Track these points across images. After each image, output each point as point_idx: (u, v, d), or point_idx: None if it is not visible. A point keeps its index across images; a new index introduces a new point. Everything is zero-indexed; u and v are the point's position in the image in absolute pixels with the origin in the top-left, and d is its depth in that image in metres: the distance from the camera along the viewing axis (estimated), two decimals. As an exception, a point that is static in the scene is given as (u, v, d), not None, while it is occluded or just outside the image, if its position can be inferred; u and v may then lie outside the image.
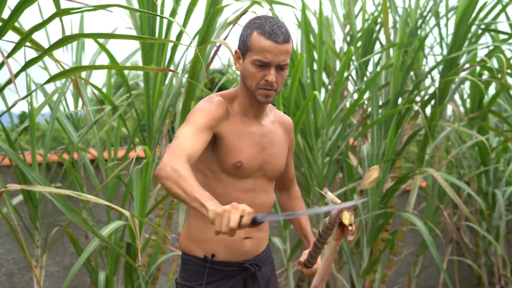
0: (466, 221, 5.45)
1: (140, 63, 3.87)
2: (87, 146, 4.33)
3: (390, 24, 4.76)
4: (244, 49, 2.03)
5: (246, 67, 2.02)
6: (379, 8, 4.73)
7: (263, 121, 2.17)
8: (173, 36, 3.76)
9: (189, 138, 1.91)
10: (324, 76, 4.71)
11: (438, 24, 4.67)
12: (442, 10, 4.72)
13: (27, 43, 2.64)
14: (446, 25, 4.76)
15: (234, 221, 1.60)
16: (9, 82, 2.68)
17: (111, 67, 2.90)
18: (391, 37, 4.76)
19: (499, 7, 4.45)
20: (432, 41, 5.02)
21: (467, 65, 4.49)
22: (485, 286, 5.50)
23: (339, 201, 1.86)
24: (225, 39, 3.84)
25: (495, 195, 5.29)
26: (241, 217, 1.61)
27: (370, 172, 1.85)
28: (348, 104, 4.72)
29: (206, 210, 1.67)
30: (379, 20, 4.68)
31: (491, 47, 4.53)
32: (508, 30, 4.72)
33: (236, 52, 2.07)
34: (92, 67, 3.00)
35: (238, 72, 2.17)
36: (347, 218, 1.77)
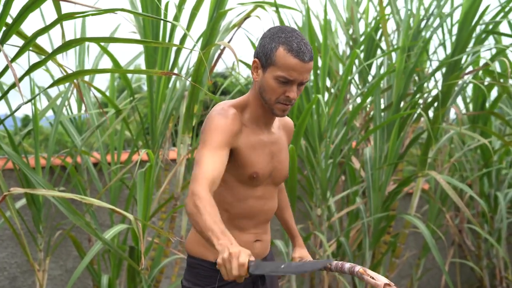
0: (468, 223, 5.45)
1: (143, 66, 3.87)
2: (90, 149, 4.33)
3: (394, 27, 4.77)
4: (266, 61, 1.98)
5: (267, 80, 1.99)
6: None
7: (272, 128, 2.17)
8: (177, 40, 3.77)
9: (209, 162, 1.90)
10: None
11: (442, 26, 4.67)
12: (446, 11, 4.71)
13: (31, 48, 2.65)
14: (450, 29, 4.76)
15: (236, 270, 1.63)
16: (13, 85, 2.69)
17: (114, 71, 2.90)
18: (394, 40, 4.76)
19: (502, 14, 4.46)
20: (435, 44, 5.03)
21: (470, 68, 4.49)
22: (487, 288, 5.51)
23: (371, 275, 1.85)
24: (228, 42, 3.85)
25: (497, 197, 5.29)
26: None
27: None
28: (351, 108, 4.73)
29: (217, 250, 1.69)
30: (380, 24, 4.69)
31: (494, 50, 4.54)
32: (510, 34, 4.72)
33: (254, 61, 2.03)
34: (96, 71, 3.00)
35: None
36: None
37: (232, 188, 2.08)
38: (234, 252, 1.63)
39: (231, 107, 2.04)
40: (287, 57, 1.95)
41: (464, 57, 4.31)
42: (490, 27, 4.51)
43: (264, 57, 1.99)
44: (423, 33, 4.43)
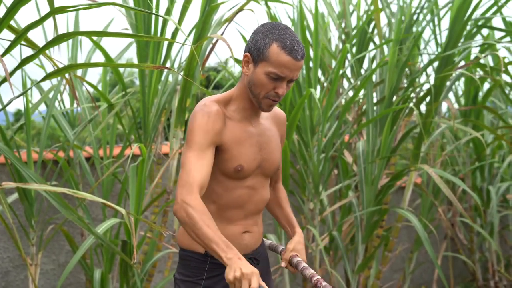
0: (461, 217, 5.47)
1: (135, 60, 3.86)
2: (82, 144, 4.32)
3: (385, 21, 4.77)
4: (258, 57, 2.00)
5: (257, 75, 2.01)
6: (372, 7, 4.73)
7: (260, 119, 2.19)
8: (169, 33, 3.76)
9: (197, 168, 1.94)
10: (319, 73, 4.71)
11: (433, 21, 4.67)
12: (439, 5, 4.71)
13: (22, 42, 2.63)
14: (439, 22, 4.76)
15: None
16: (4, 79, 2.68)
17: (106, 64, 2.89)
18: (386, 34, 4.76)
19: (495, 7, 4.46)
20: (427, 38, 5.02)
21: (462, 63, 4.50)
22: (479, 282, 5.53)
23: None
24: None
25: (489, 191, 5.31)
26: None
27: None
28: (343, 101, 4.73)
29: (224, 263, 1.81)
30: (373, 17, 4.68)
31: (485, 45, 4.54)
32: (503, 28, 4.72)
33: (246, 55, 2.04)
34: (87, 64, 2.97)
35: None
36: None
37: (219, 180, 2.10)
38: (246, 273, 1.75)
39: (213, 103, 2.06)
40: (280, 54, 1.96)
41: (456, 51, 4.31)
42: (482, 21, 4.52)
43: (256, 52, 2.01)
44: (414, 28, 4.43)
